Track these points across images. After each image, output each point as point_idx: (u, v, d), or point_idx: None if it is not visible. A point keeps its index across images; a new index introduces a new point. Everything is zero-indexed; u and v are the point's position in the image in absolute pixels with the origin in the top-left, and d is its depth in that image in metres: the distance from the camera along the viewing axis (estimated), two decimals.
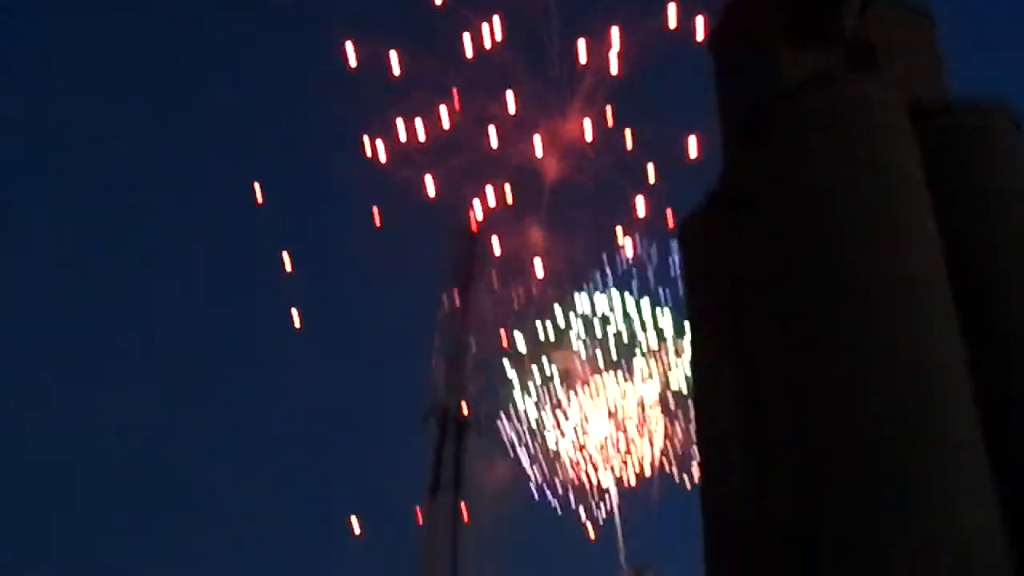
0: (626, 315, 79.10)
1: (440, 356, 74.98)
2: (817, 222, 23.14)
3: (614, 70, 68.86)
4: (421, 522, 70.43)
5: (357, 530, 74.29)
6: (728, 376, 24.52)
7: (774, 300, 23.05)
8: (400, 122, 66.88)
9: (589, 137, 70.40)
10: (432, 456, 73.84)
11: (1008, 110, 26.14)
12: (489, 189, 71.65)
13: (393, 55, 66.48)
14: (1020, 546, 19.20)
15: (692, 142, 63.72)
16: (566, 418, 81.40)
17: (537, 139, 71.12)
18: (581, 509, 79.98)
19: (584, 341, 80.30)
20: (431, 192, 70.76)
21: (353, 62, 66.37)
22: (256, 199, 77.99)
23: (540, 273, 75.12)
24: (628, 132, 69.41)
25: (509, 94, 69.24)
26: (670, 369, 79.51)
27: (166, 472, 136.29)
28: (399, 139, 69.17)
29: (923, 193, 23.52)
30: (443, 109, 69.09)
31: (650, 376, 79.73)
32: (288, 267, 75.11)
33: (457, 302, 75.22)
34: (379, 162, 70.26)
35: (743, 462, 23.05)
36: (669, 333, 78.99)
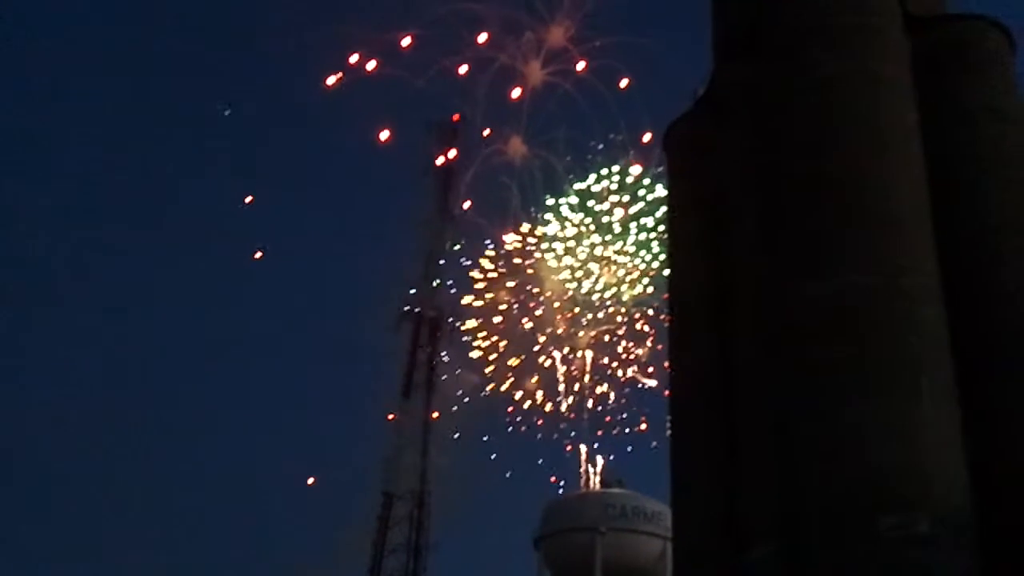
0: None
1: (417, 258, 75.19)
2: (802, 128, 23.10)
3: None
4: (392, 419, 71.18)
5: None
6: (703, 274, 24.82)
7: (753, 199, 23.11)
8: None
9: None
10: (406, 358, 74.40)
11: (1002, 26, 25.82)
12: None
13: None
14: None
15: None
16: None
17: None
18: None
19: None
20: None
21: None
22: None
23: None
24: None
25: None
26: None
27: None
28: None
29: (910, 104, 23.42)
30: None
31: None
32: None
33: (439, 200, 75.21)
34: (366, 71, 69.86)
35: (708, 339, 23.65)
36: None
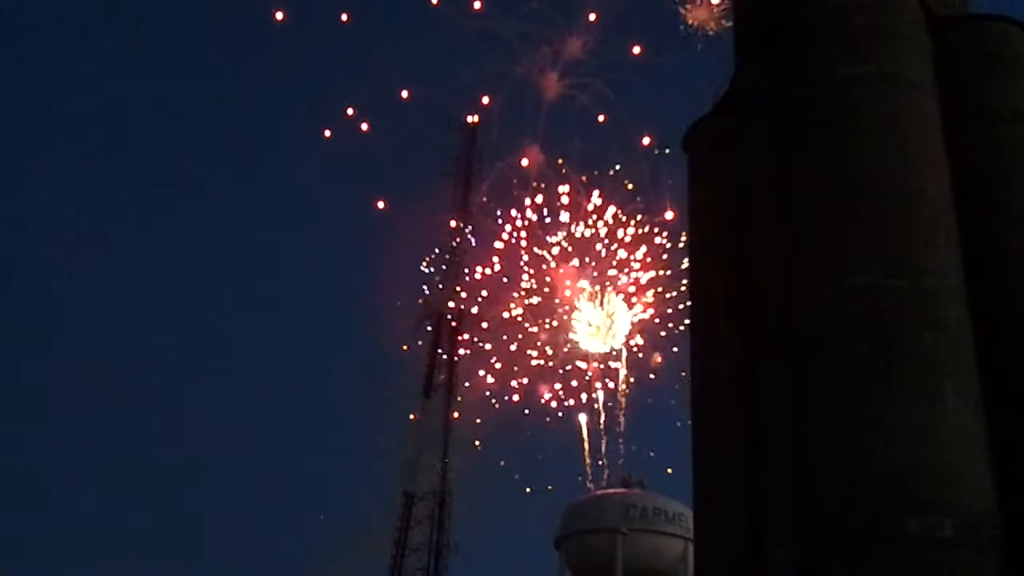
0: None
1: (437, 260, 75.44)
2: (823, 129, 23.09)
3: None
4: (416, 418, 71.41)
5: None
6: (723, 274, 24.80)
7: (775, 200, 23.10)
8: None
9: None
10: (427, 359, 74.66)
11: (1022, 25, 25.70)
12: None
13: None
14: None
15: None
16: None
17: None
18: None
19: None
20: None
21: None
22: None
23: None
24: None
25: None
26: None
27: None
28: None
29: (933, 105, 23.36)
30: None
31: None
32: None
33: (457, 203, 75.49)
34: None
35: (728, 340, 23.70)
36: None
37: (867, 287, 20.40)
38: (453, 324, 74.39)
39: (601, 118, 71.60)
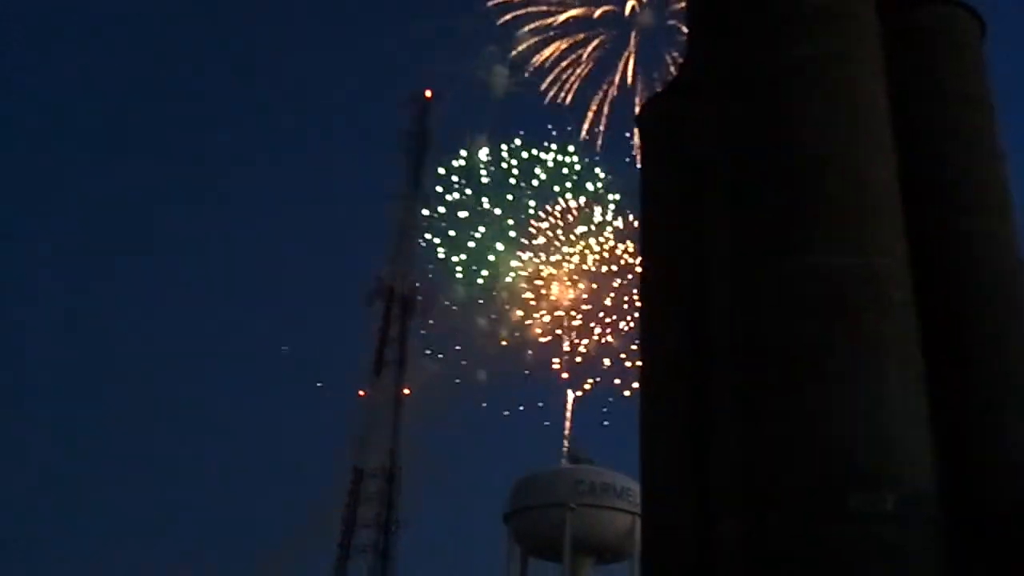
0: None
1: (390, 236, 75.10)
2: (772, 109, 23.24)
3: None
4: (363, 395, 71.26)
5: None
6: (673, 254, 25.03)
7: (726, 181, 23.29)
8: None
9: None
10: (377, 335, 74.37)
11: (973, 11, 26.08)
12: None
13: None
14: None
15: None
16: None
17: None
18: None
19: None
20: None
21: None
22: None
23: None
24: None
25: None
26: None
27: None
28: None
29: (882, 86, 23.60)
30: None
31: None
32: None
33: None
34: None
35: (678, 317, 24.01)
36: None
37: (814, 266, 20.67)
38: (405, 299, 74.20)
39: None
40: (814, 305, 20.35)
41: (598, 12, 75.43)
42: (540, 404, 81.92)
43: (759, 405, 20.35)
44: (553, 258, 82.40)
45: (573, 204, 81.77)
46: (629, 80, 75.67)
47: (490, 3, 74.45)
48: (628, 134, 76.43)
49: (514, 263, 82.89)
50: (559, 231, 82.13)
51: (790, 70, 23.30)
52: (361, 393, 72.04)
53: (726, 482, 20.84)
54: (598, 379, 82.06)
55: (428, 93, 76.79)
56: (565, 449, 73.35)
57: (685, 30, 30.82)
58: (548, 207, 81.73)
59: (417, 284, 75.09)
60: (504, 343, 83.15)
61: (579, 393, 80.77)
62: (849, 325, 20.06)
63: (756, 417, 20.31)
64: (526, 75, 76.75)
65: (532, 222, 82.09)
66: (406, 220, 75.79)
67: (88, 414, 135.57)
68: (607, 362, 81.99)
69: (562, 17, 75.08)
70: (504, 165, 79.91)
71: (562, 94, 77.41)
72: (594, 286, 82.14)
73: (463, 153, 77.84)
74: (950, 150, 23.96)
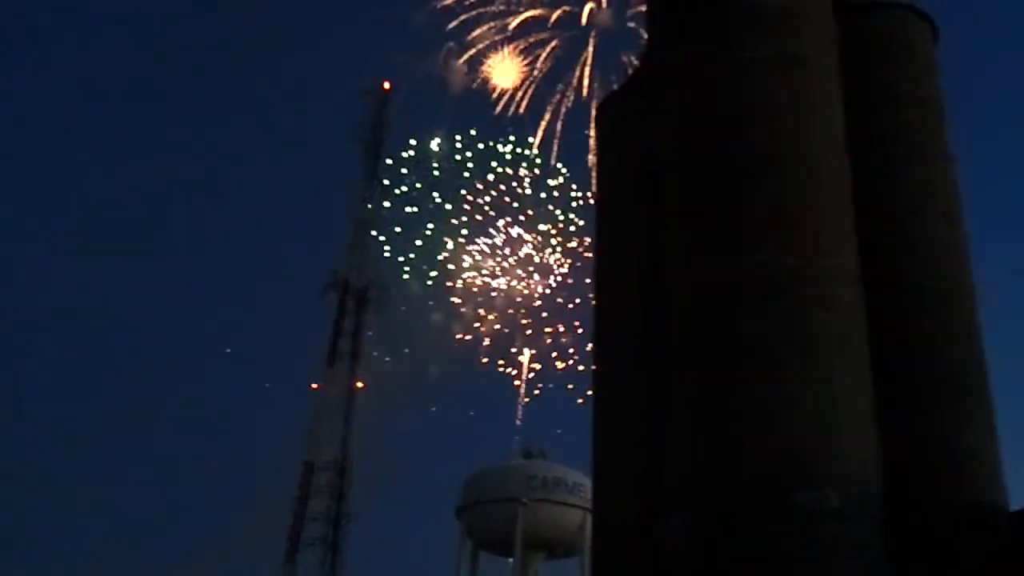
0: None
1: (348, 227, 74.61)
2: (728, 108, 23.37)
3: None
4: (315, 388, 70.59)
5: None
6: (630, 251, 25.09)
7: (682, 178, 23.40)
8: None
9: None
10: (332, 327, 73.72)
11: (926, 16, 26.39)
12: None
13: None
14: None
15: None
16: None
17: None
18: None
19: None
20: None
21: None
22: None
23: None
24: None
25: None
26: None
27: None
28: None
29: (835, 87, 23.82)
30: None
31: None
32: None
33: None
34: None
35: (633, 312, 24.03)
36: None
37: (765, 265, 20.83)
38: (359, 292, 73.65)
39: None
40: (765, 304, 20.51)
41: (555, 15, 75.23)
42: (493, 399, 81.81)
43: (710, 403, 20.46)
44: (506, 253, 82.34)
45: (529, 198, 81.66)
46: (585, 86, 75.63)
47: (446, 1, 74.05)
48: (585, 132, 76.47)
49: (467, 259, 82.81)
50: (513, 228, 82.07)
51: (745, 70, 23.44)
52: (313, 386, 71.42)
53: (677, 478, 20.94)
54: (550, 384, 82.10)
55: (386, 85, 76.25)
56: (519, 441, 73.36)
57: (644, 33, 30.86)
58: (503, 200, 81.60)
59: (372, 277, 74.52)
60: (457, 338, 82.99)
61: (527, 392, 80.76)
62: (799, 325, 20.23)
63: (707, 415, 20.43)
64: (480, 79, 76.55)
65: (486, 216, 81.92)
66: (362, 212, 75.26)
67: (88, 413, 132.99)
68: (560, 365, 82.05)
69: (517, 20, 74.83)
70: (458, 158, 79.65)
71: (516, 101, 77.22)
72: (550, 284, 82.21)
73: (416, 145, 77.43)
74: (902, 152, 24.21)
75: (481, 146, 77.39)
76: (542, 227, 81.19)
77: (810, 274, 20.74)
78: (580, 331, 79.03)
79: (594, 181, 29.55)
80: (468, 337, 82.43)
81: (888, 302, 21.90)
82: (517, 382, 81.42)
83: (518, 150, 79.10)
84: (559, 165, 78.56)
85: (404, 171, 76.53)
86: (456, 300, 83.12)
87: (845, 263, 21.33)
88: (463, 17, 74.11)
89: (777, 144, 22.22)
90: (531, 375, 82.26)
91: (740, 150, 22.46)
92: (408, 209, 79.62)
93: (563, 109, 75.90)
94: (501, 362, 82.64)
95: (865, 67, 24.68)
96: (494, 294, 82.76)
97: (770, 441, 19.35)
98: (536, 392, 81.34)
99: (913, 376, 21.64)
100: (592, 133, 68.23)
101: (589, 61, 73.78)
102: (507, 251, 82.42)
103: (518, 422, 77.28)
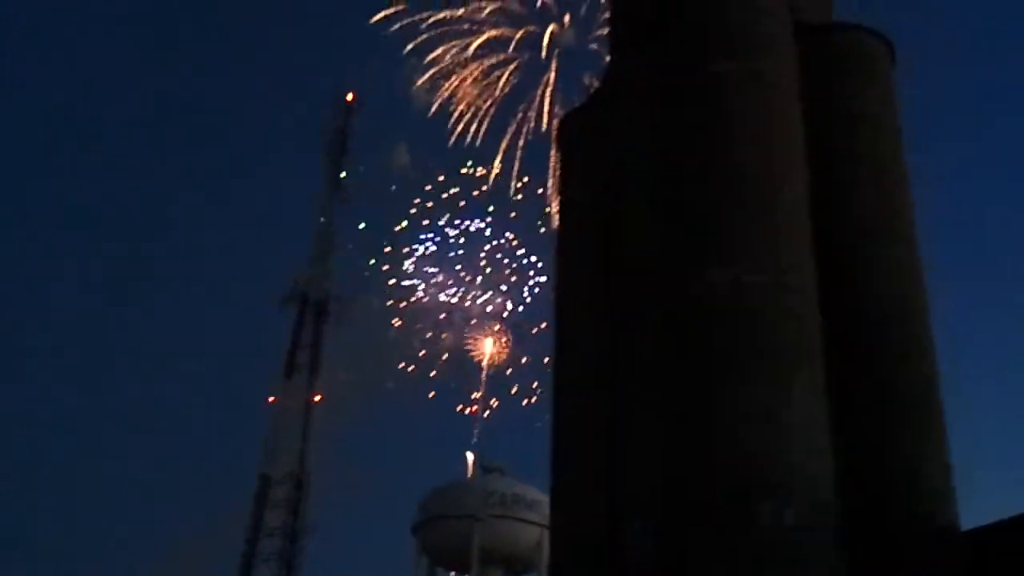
0: None
1: (312, 238, 74.29)
2: (690, 124, 23.57)
3: None
4: (273, 400, 70.13)
5: None
6: (592, 264, 25.17)
7: (645, 193, 23.57)
8: None
9: None
10: (290, 339, 73.25)
11: (884, 37, 26.74)
12: None
13: None
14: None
15: None
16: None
17: None
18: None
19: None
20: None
21: None
22: None
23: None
24: None
25: None
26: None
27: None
28: None
29: (795, 106, 24.12)
30: None
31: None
32: None
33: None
34: None
35: (594, 324, 24.23)
36: None
37: (727, 279, 21.03)
38: (319, 303, 73.31)
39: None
40: (726, 318, 20.70)
41: (518, 35, 75.22)
42: (450, 414, 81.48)
43: (671, 416, 20.60)
44: (464, 270, 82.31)
45: (488, 216, 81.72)
46: (547, 110, 75.55)
47: (411, 19, 73.85)
48: (547, 153, 76.52)
49: (422, 274, 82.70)
50: (471, 246, 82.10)
51: (708, 85, 23.71)
52: (271, 399, 70.89)
53: (637, 490, 20.99)
54: (507, 400, 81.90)
55: (350, 96, 76.11)
56: (471, 458, 73.12)
57: (607, 55, 31.06)
58: (461, 219, 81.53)
59: (331, 290, 74.16)
60: (415, 353, 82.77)
61: (483, 408, 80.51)
62: (760, 339, 20.44)
63: (668, 428, 20.56)
64: (442, 98, 76.40)
65: (444, 235, 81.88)
66: (323, 224, 74.98)
67: (42, 419, 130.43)
68: (515, 387, 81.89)
69: (479, 40, 74.76)
70: (418, 175, 79.58)
71: (477, 120, 76.99)
72: (509, 301, 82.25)
73: (378, 159, 77.30)
74: (858, 172, 24.45)
75: (440, 172, 77.34)
76: (500, 243, 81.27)
77: (771, 290, 20.96)
78: (538, 348, 79.18)
79: (553, 197, 29.56)
80: (423, 353, 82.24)
81: (844, 321, 22.11)
82: (475, 396, 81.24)
83: (477, 171, 79.26)
84: (518, 185, 78.64)
85: (366, 184, 76.27)
86: (413, 315, 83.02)
87: (804, 279, 21.58)
88: (427, 35, 74.10)
89: (739, 160, 22.45)
90: (489, 399, 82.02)
91: (702, 165, 22.65)
92: (365, 224, 79.43)
93: (525, 130, 76.06)
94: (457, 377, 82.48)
95: (823, 87, 24.95)
96: (452, 311, 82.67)
97: (730, 453, 19.54)
98: (494, 404, 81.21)
99: (867, 393, 21.83)
100: (553, 150, 68.75)
101: (551, 82, 73.97)
102: (464, 269, 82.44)
103: (474, 440, 77.06)
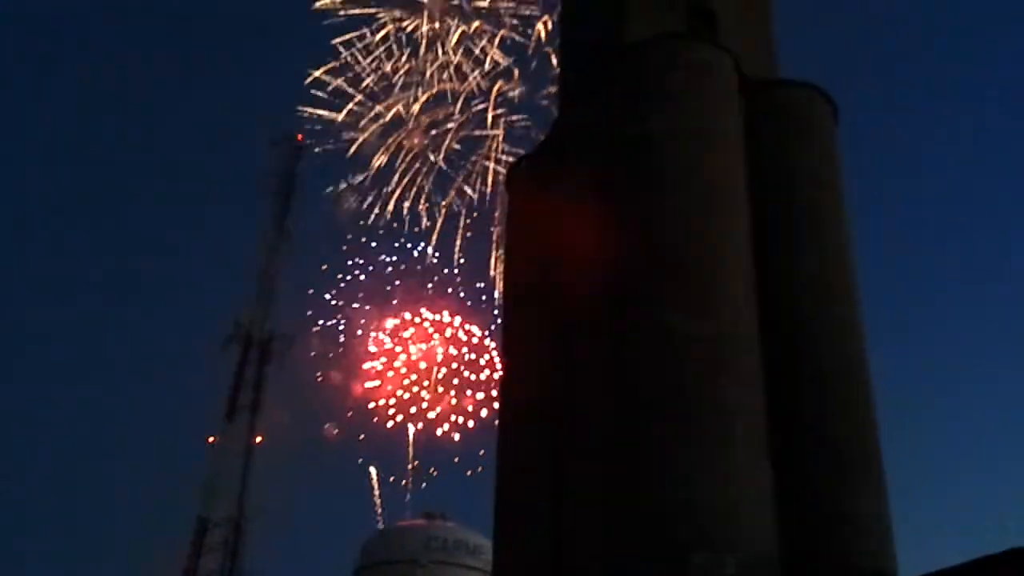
0: None
1: (256, 278, 73.54)
2: (634, 179, 23.80)
3: None
4: (213, 441, 68.90)
5: None
6: (536, 311, 25.27)
7: (589, 243, 23.75)
8: None
9: None
10: (232, 379, 72.22)
11: (828, 95, 27.34)
12: None
13: None
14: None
15: None
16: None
17: None
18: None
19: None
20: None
21: None
22: None
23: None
24: None
25: None
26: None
27: None
28: None
29: (740, 161, 24.51)
30: None
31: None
32: None
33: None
34: None
35: (540, 374, 24.39)
36: None
37: (670, 330, 21.22)
38: (262, 344, 72.42)
39: None
40: (668, 368, 20.85)
41: (464, 89, 74.72)
42: (393, 458, 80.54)
43: (612, 465, 20.60)
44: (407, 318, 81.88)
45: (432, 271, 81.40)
46: (491, 168, 75.20)
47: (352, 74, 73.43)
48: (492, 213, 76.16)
49: (363, 321, 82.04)
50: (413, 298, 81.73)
51: (652, 140, 23.95)
52: (210, 439, 69.64)
53: (577, 539, 20.91)
54: (447, 446, 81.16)
55: (299, 136, 75.76)
56: (407, 501, 72.44)
57: (556, 111, 31.47)
58: (401, 271, 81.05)
59: (274, 330, 73.30)
60: (357, 397, 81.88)
61: (421, 454, 79.72)
62: (701, 390, 20.58)
63: (608, 477, 20.54)
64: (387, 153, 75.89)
65: (384, 290, 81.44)
66: (268, 264, 74.26)
67: None
68: (457, 436, 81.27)
69: (425, 96, 74.35)
70: (362, 223, 78.99)
71: (421, 176, 76.60)
72: (451, 350, 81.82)
73: (324, 202, 76.58)
74: (800, 229, 24.82)
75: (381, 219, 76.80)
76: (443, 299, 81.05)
77: (712, 342, 21.14)
78: (481, 394, 78.84)
79: (499, 245, 29.64)
80: (367, 398, 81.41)
81: (785, 375, 22.33)
82: (412, 439, 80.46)
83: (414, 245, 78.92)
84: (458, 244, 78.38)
85: (311, 226, 75.78)
86: (358, 359, 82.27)
87: (746, 332, 21.83)
88: (371, 87, 73.75)
89: (682, 215, 22.72)
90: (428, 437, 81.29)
91: (645, 218, 22.89)
92: (314, 263, 78.83)
93: (475, 180, 75.98)
94: (399, 420, 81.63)
95: (767, 143, 25.40)
96: (394, 359, 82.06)
97: (669, 504, 19.58)
98: (433, 472, 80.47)
99: (807, 445, 22.06)
100: (499, 201, 69.08)
101: (499, 139, 73.96)
102: (406, 318, 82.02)
103: (423, 484, 76.35)
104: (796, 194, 25.33)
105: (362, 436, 78.47)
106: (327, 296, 79.58)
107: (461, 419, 78.71)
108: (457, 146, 73.53)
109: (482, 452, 76.24)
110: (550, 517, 22.68)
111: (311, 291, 79.87)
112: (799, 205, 25.16)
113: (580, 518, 21.50)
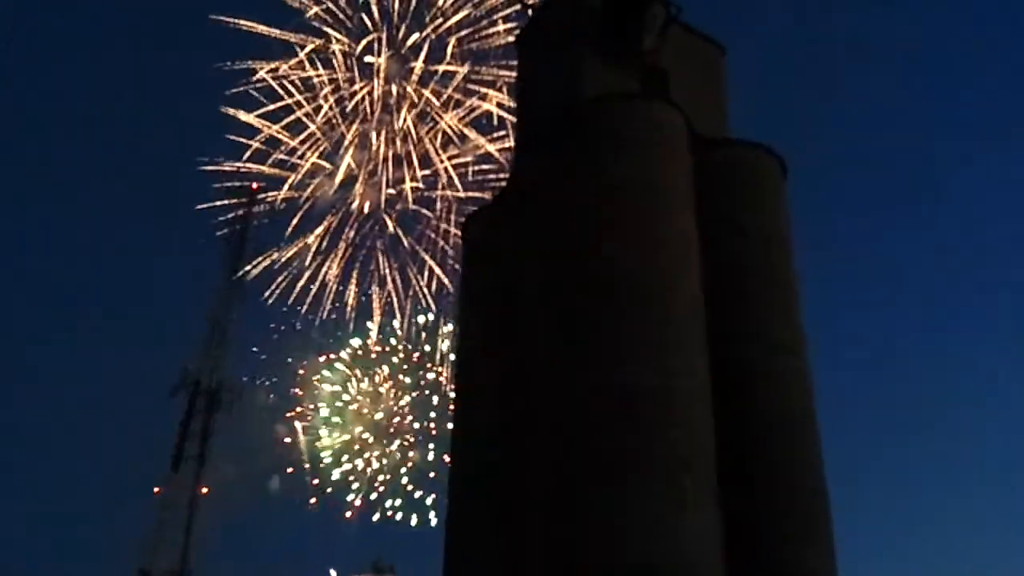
0: None
1: (207, 325, 72.73)
2: (587, 229, 24.06)
3: None
4: (158, 492, 67.64)
5: None
6: (490, 365, 25.25)
7: (544, 293, 23.90)
8: None
9: None
10: (178, 429, 71.09)
11: (777, 154, 27.93)
12: None
13: None
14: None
15: None
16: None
17: None
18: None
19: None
20: None
21: None
22: None
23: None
24: None
25: None
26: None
27: None
28: None
29: (690, 216, 24.87)
30: None
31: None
32: None
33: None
34: None
35: (491, 425, 24.35)
36: None
37: (618, 383, 21.30)
38: (211, 393, 71.51)
39: None
40: (616, 421, 20.86)
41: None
42: (344, 513, 79.31)
43: (561, 522, 20.50)
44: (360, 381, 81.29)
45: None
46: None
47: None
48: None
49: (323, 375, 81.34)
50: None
51: (602, 193, 24.28)
52: (156, 490, 68.36)
53: None
54: (398, 500, 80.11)
55: (254, 186, 75.37)
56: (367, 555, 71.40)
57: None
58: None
59: (223, 379, 72.38)
60: (302, 452, 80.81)
61: (366, 508, 78.58)
62: (650, 443, 20.60)
63: (558, 534, 20.44)
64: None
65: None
66: (219, 312, 73.56)
67: None
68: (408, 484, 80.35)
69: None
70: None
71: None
72: (401, 407, 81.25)
73: (274, 255, 75.57)
74: (748, 284, 25.17)
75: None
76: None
77: (662, 393, 21.25)
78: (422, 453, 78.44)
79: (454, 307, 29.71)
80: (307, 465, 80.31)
81: (732, 428, 22.47)
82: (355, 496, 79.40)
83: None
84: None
85: (261, 276, 75.04)
86: (304, 414, 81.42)
87: (697, 383, 21.96)
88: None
89: (633, 266, 22.94)
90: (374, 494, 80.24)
91: (596, 270, 23.10)
92: (260, 314, 78.06)
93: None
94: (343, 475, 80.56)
95: (716, 199, 25.81)
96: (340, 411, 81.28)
97: (618, 560, 19.44)
98: (383, 497, 79.46)
99: (756, 500, 22.16)
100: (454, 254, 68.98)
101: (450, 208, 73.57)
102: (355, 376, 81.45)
103: (367, 537, 75.35)
104: (744, 248, 25.75)
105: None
106: (277, 347, 78.87)
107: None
108: (413, 207, 73.43)
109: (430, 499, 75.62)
110: (501, 570, 22.50)
111: (259, 343, 79.14)
112: (746, 258, 25.56)
113: (530, 572, 21.34)
